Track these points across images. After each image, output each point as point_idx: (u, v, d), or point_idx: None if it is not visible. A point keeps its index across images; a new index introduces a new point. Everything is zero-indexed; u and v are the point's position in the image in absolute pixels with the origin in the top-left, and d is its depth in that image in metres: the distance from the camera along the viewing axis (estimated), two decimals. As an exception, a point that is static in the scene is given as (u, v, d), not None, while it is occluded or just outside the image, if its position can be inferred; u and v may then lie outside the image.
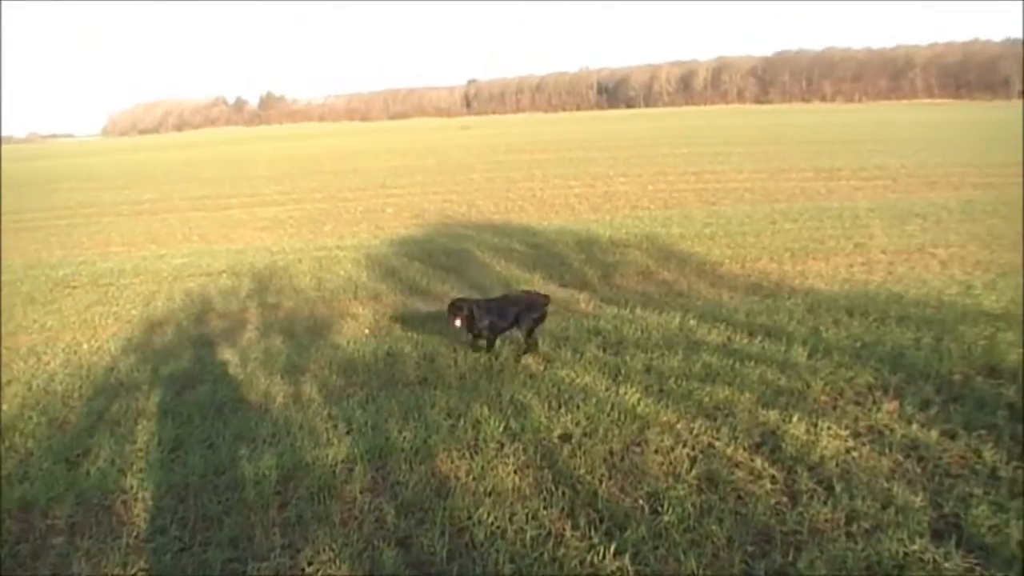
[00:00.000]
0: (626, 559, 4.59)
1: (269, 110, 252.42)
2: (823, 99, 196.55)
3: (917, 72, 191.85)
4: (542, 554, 4.70)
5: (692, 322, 9.82)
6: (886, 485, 5.36)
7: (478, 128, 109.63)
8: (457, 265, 15.85)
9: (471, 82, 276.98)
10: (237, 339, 11.17)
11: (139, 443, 6.93)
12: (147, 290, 14.94)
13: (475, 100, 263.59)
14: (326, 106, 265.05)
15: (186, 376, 9.06)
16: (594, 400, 7.09)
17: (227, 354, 10.09)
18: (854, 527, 4.87)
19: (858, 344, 8.45)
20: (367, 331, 11.23)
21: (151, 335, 11.64)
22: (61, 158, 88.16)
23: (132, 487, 5.94)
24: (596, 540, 4.81)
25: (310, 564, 4.75)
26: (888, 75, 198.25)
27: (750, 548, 4.72)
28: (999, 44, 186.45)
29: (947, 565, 4.34)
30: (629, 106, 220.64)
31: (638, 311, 10.87)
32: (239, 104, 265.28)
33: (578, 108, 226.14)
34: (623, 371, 7.92)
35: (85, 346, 10.95)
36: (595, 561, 4.60)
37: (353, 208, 26.93)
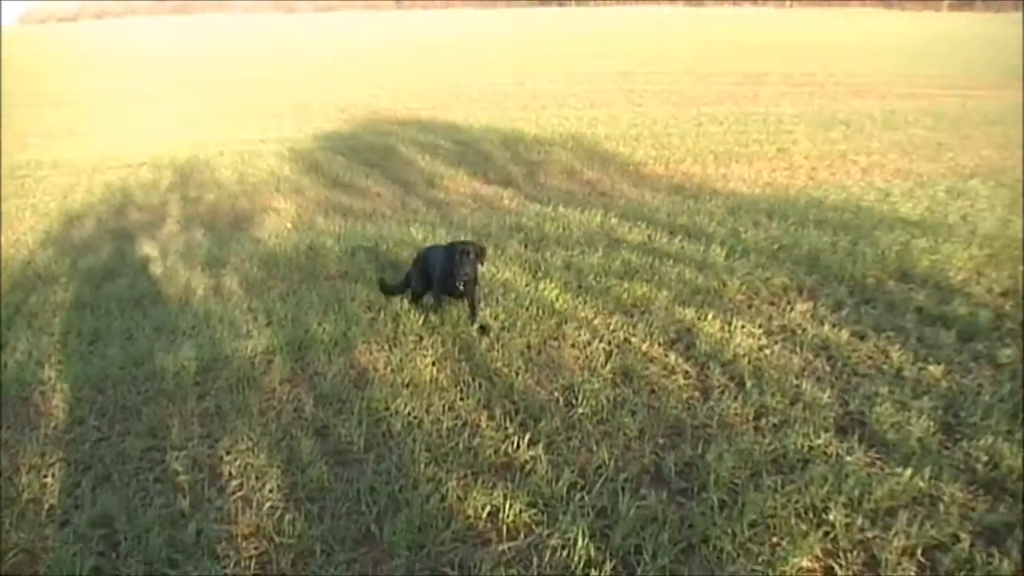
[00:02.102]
0: (539, 449, 4.62)
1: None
2: (754, 1, 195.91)
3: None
4: (458, 444, 4.72)
5: (613, 221, 9.84)
6: (795, 382, 5.47)
7: (409, 23, 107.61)
8: (381, 161, 15.65)
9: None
10: (157, 232, 10.94)
11: (57, 335, 6.77)
12: (65, 183, 14.48)
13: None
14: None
15: (105, 269, 8.83)
16: (513, 295, 7.09)
17: (147, 247, 9.87)
18: (762, 422, 4.97)
19: (776, 246, 8.55)
20: (289, 225, 11.09)
21: (70, 228, 11.34)
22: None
23: (50, 379, 5.81)
24: (511, 431, 4.84)
25: (228, 453, 4.70)
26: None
27: (661, 440, 4.79)
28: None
29: (849, 459, 4.44)
30: (561, 4, 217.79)
31: (560, 209, 10.85)
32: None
33: (509, 3, 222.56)
34: (543, 267, 7.93)
35: (2, 239, 10.61)
36: (509, 451, 4.63)
37: (278, 102, 26.34)
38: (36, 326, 7.03)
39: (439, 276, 6.66)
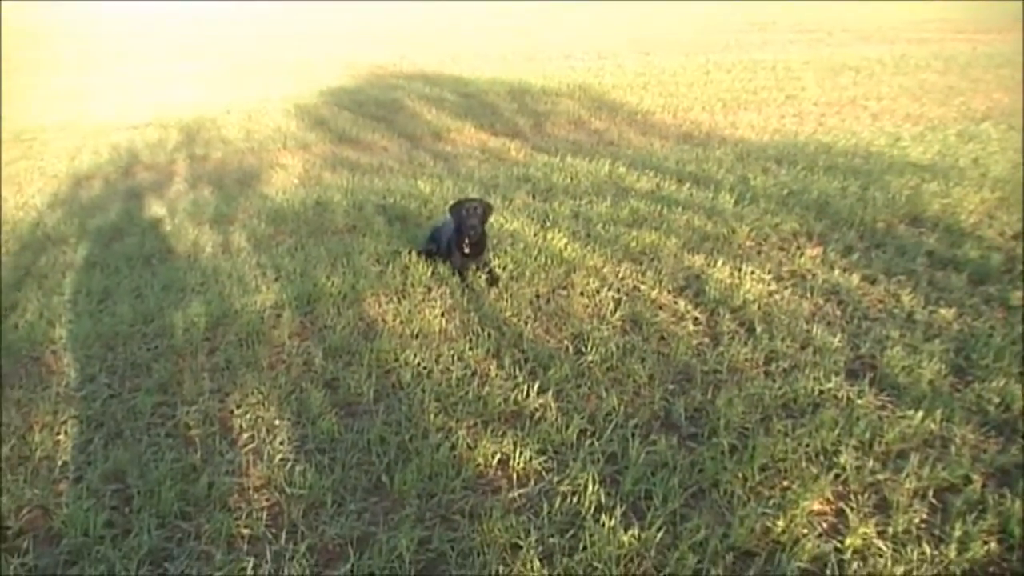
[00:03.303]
0: (549, 396, 4.62)
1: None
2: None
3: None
4: (467, 393, 4.71)
5: (621, 170, 9.80)
6: (806, 327, 5.45)
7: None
8: (387, 115, 15.56)
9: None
10: (165, 191, 10.88)
11: (67, 295, 6.74)
12: (72, 145, 14.34)
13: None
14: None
15: (113, 229, 8.79)
16: (522, 245, 7.07)
17: (155, 206, 9.82)
18: (772, 366, 4.95)
19: (785, 192, 8.50)
20: (296, 180, 11.04)
21: (78, 189, 11.28)
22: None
23: (61, 338, 5.81)
24: (520, 379, 4.83)
25: (239, 407, 4.71)
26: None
27: (671, 386, 4.78)
28: None
29: (860, 402, 4.43)
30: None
31: (568, 159, 10.81)
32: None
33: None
34: (551, 217, 7.90)
35: (10, 201, 10.53)
36: (519, 399, 4.63)
37: (281, 60, 26.18)
38: (46, 286, 7.00)
39: (447, 238, 6.67)
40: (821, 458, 3.97)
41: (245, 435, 4.44)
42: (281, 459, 4.18)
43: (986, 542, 3.40)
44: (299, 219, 8.47)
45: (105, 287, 6.84)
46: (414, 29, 34.56)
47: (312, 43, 31.06)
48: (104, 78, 24.10)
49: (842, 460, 3.91)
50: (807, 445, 4.04)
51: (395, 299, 6.13)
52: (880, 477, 3.82)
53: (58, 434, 4.54)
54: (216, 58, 28.03)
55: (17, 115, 17.82)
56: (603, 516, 3.60)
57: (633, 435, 4.19)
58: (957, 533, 3.42)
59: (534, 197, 8.79)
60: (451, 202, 7.06)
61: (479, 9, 45.14)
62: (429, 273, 6.53)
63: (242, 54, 28.85)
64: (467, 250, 6.45)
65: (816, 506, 3.66)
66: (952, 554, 3.34)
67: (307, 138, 13.92)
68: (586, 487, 3.78)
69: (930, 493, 3.71)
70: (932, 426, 4.18)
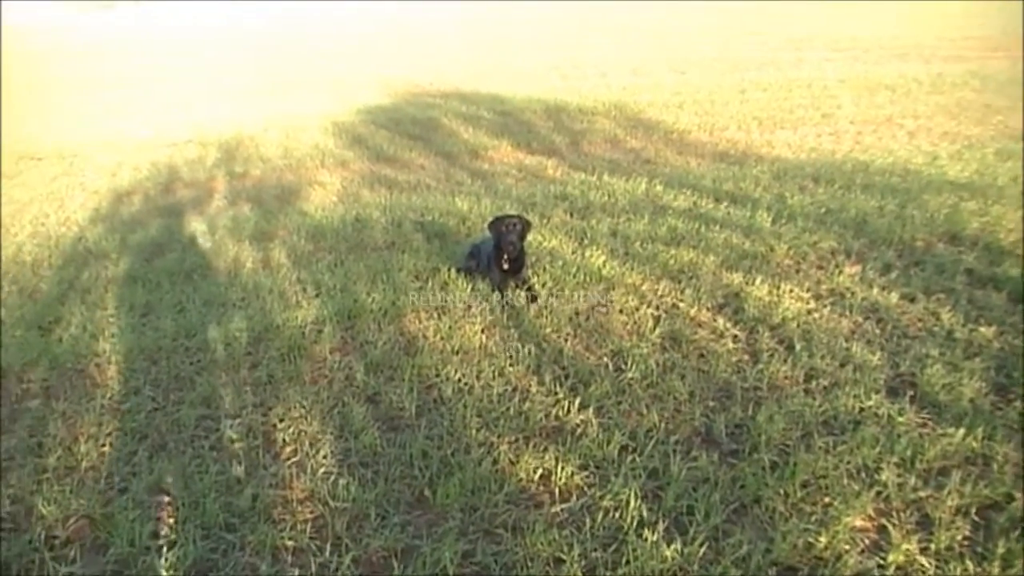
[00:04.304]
0: (590, 412, 4.65)
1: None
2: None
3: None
4: (508, 408, 4.76)
5: (658, 188, 9.82)
6: (845, 345, 5.45)
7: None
8: (424, 133, 15.70)
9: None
10: (205, 207, 11.06)
11: (110, 309, 6.86)
12: (113, 161, 14.62)
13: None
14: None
15: (155, 244, 8.94)
16: (560, 263, 7.10)
17: (195, 222, 9.97)
18: (812, 384, 4.96)
19: (822, 210, 8.49)
20: (334, 198, 11.17)
21: (119, 205, 11.48)
22: None
23: (105, 351, 5.92)
24: (561, 395, 4.87)
25: (281, 420, 4.78)
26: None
27: (711, 403, 4.80)
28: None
29: (900, 419, 4.44)
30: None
31: (605, 177, 10.83)
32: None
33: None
34: (589, 235, 7.93)
35: (52, 217, 10.75)
36: (560, 415, 4.67)
37: (316, 78, 26.41)
38: (89, 301, 7.12)
39: (487, 255, 6.73)
40: (862, 475, 3.98)
41: (288, 448, 4.51)
42: (324, 472, 4.25)
43: (1030, 559, 3.40)
44: (338, 236, 8.55)
45: (147, 301, 6.98)
46: (448, 45, 34.77)
47: (347, 60, 31.30)
48: (143, 96, 24.40)
49: (883, 477, 3.93)
50: (848, 462, 4.06)
51: (435, 315, 6.17)
52: (922, 494, 3.83)
53: (103, 446, 4.64)
54: (253, 75, 28.36)
55: (59, 133, 18.10)
56: (646, 531, 3.63)
57: (674, 451, 4.23)
58: (1000, 550, 3.43)
59: (572, 215, 8.82)
60: (490, 219, 7.11)
61: (514, 27, 45.27)
62: (469, 290, 6.59)
63: (279, 71, 29.10)
64: (506, 266, 6.50)
65: (858, 522, 3.68)
66: (996, 571, 3.35)
67: (345, 156, 14.07)
68: (628, 502, 3.81)
69: (972, 510, 3.72)
70: (974, 444, 4.18)
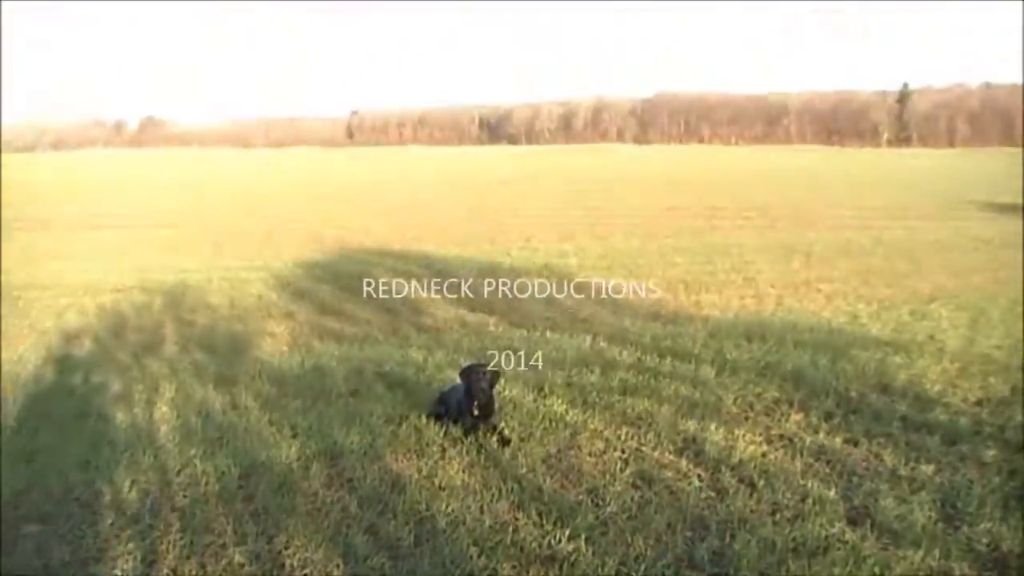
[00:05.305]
0: (580, 542, 5.03)
1: (149, 133, 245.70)
2: (700, 140, 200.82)
3: (791, 118, 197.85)
4: (503, 539, 5.11)
5: (602, 344, 10.34)
6: (801, 482, 5.93)
7: (365, 158, 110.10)
8: (363, 288, 16.16)
9: (354, 113, 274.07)
10: (160, 352, 11.30)
11: (86, 443, 7.10)
12: (59, 304, 14.87)
13: (358, 131, 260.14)
14: (206, 131, 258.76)
15: (118, 384, 9.23)
16: (524, 409, 7.51)
17: (154, 365, 10.22)
18: (778, 516, 5.41)
19: (761, 364, 9.07)
20: (285, 348, 11.50)
21: (70, 347, 11.67)
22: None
23: (95, 481, 6.16)
24: (548, 528, 5.24)
25: (287, 548, 5.06)
26: (764, 120, 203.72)
27: (688, 534, 5.21)
28: (869, 94, 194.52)
29: (865, 544, 4.92)
30: (511, 142, 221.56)
31: (548, 334, 11.34)
32: (118, 126, 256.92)
33: (460, 142, 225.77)
34: (546, 385, 8.36)
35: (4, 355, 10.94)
36: (552, 543, 5.04)
37: (251, 232, 26.93)
38: (66, 435, 7.39)
39: (456, 403, 7.09)
40: (839, 592, 4.42)
41: (299, 572, 4.79)
42: (340, 595, 4.54)
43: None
44: (300, 382, 8.87)
45: (126, 437, 7.21)
46: (372, 206, 35.59)
47: (275, 217, 31.82)
48: (76, 240, 24.67)
49: (859, 592, 4.37)
50: (824, 580, 4.50)
51: (414, 456, 6.51)
52: (895, 606, 4.28)
53: (114, 568, 4.88)
54: (185, 227, 28.75)
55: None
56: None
57: (664, 575, 4.62)
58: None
59: (524, 367, 9.26)
60: (461, 367, 7.52)
61: (432, 190, 46.50)
62: (442, 433, 6.94)
63: (210, 225, 29.59)
64: (476, 412, 6.89)
65: (842, 630, 4.10)
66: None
67: (290, 307, 14.53)
68: (633, 618, 4.19)
69: (943, 618, 4.18)
70: (932, 563, 4.66)
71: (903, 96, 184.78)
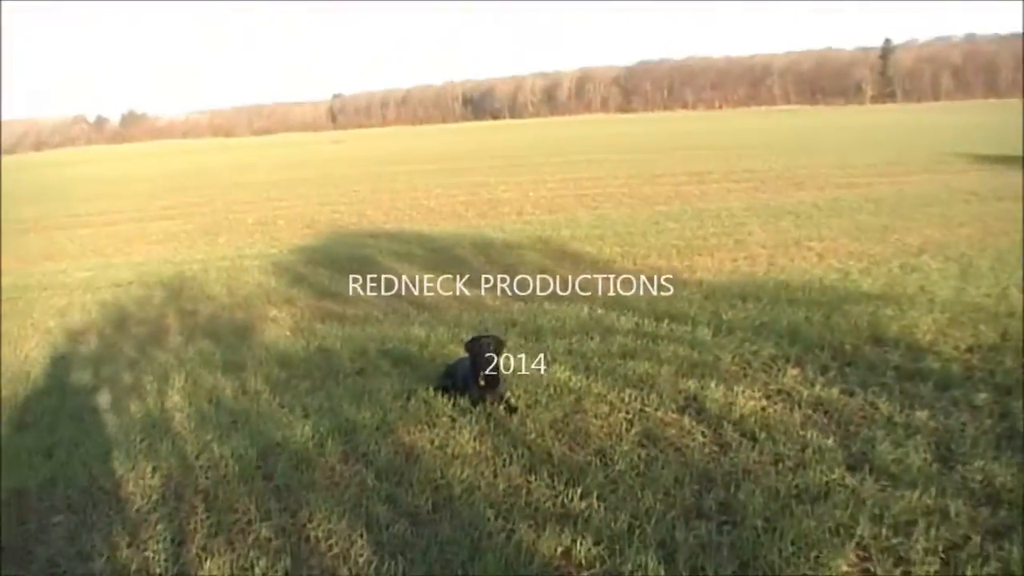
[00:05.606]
0: (593, 498, 5.24)
1: (131, 128, 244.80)
2: (684, 107, 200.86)
3: (775, 79, 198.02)
4: (517, 501, 5.32)
5: (600, 311, 10.55)
6: (801, 432, 6.15)
7: (350, 141, 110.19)
8: (362, 270, 16.27)
9: (336, 96, 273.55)
10: (165, 343, 11.48)
11: (104, 435, 7.31)
12: (59, 303, 15.02)
13: (340, 114, 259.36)
14: (189, 123, 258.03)
15: (128, 376, 9.43)
16: (528, 378, 7.71)
17: (161, 356, 10.40)
18: (780, 466, 5.62)
19: (757, 323, 9.28)
20: (288, 332, 11.65)
21: (75, 344, 11.83)
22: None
23: (116, 471, 6.33)
24: (560, 488, 5.44)
25: (311, 521, 5.26)
26: (747, 83, 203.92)
27: (695, 487, 5.42)
28: (851, 52, 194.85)
29: (865, 488, 5.14)
30: (495, 117, 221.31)
31: (546, 305, 11.53)
32: (100, 122, 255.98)
33: (444, 121, 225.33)
34: (548, 354, 8.56)
35: (11, 357, 11.09)
36: (565, 503, 5.25)
37: (243, 220, 27.10)
38: (83, 428, 7.59)
39: (463, 374, 7.30)
40: (841, 531, 4.63)
41: (324, 543, 4.99)
42: (365, 560, 4.74)
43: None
44: (308, 364, 9.05)
45: (142, 427, 7.38)
46: (362, 189, 35.71)
47: (266, 204, 31.93)
48: (71, 239, 24.80)
49: (860, 531, 4.58)
50: (827, 523, 4.71)
51: (425, 428, 6.70)
52: (894, 542, 4.49)
53: (145, 550, 5.06)
54: (178, 219, 28.86)
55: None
56: (668, 587, 4.21)
57: (675, 525, 4.83)
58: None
59: (525, 339, 9.45)
60: (466, 339, 7.72)
61: (421, 167, 46.50)
62: (451, 405, 7.13)
63: (203, 215, 29.75)
64: (483, 383, 7.09)
65: (845, 568, 4.32)
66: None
67: (290, 293, 14.65)
68: (647, 565, 4.39)
69: (939, 550, 4.40)
70: (929, 501, 4.89)
71: (886, 52, 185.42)
